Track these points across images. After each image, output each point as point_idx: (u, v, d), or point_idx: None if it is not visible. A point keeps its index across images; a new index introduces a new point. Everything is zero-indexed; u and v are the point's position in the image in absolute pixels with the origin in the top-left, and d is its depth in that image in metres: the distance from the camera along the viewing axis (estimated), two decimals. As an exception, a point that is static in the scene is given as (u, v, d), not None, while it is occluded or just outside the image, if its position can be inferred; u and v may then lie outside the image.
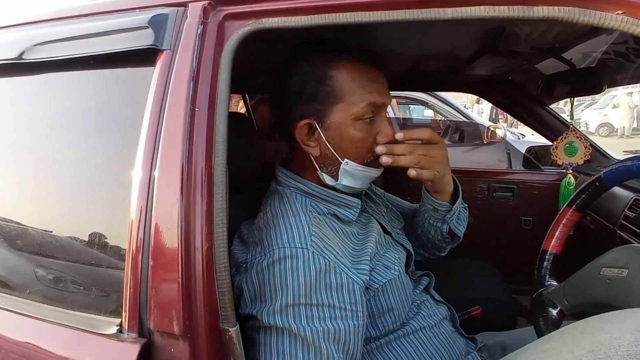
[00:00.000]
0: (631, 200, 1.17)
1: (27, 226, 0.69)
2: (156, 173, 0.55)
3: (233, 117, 0.70)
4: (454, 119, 3.75)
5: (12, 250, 0.69)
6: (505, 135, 3.18)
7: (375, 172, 0.73)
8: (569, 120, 1.26)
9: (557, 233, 0.95)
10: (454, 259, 1.67)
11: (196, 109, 0.56)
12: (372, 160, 0.71)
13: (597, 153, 1.60)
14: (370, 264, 0.69)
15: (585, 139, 1.24)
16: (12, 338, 0.62)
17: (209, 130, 0.56)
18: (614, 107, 11.45)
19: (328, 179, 0.72)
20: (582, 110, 12.59)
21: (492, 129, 2.89)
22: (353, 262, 0.67)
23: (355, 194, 0.79)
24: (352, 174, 0.70)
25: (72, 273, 0.64)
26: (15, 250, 0.69)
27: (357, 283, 0.64)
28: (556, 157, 1.22)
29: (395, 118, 3.71)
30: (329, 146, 0.69)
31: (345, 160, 0.69)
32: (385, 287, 0.70)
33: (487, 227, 1.81)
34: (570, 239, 0.99)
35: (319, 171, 0.72)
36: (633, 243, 1.08)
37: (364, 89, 0.67)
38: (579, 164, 1.22)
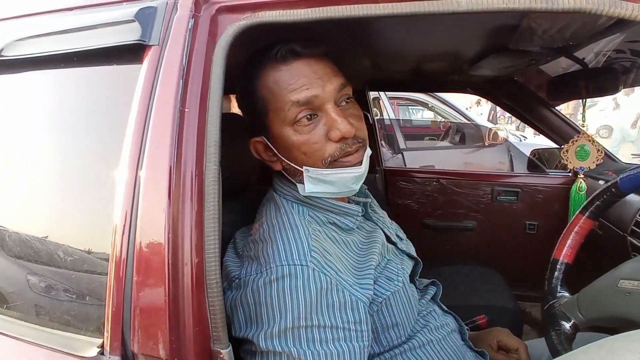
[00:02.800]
0: (643, 206, 1.13)
1: (4, 234, 0.64)
2: (142, 179, 0.50)
3: (227, 117, 0.65)
4: (455, 121, 3.72)
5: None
6: (507, 137, 3.14)
7: (349, 172, 0.63)
8: (581, 123, 1.22)
9: (568, 241, 0.90)
10: (456, 265, 1.64)
11: (186, 110, 0.51)
12: (335, 160, 0.62)
13: (605, 157, 1.56)
14: (374, 276, 0.64)
15: (597, 142, 1.19)
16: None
17: (200, 132, 0.52)
18: (614, 108, 11.44)
19: (300, 189, 0.65)
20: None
21: (493, 130, 2.85)
22: (356, 275, 0.63)
23: (355, 200, 0.74)
24: (320, 179, 0.63)
25: (50, 287, 0.59)
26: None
27: (361, 300, 0.59)
28: (567, 160, 1.18)
29: (395, 119, 3.67)
30: (283, 158, 0.65)
31: (305, 167, 0.63)
32: (389, 300, 0.65)
33: (490, 232, 1.78)
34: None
35: (294, 182, 0.66)
36: (646, 251, 1.04)
37: (285, 90, 0.60)
38: (591, 168, 1.18)
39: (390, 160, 3.04)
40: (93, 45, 0.58)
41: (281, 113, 0.61)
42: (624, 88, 0.99)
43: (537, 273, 1.08)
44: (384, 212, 0.90)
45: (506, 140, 3.00)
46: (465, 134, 3.37)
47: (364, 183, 0.84)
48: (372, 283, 0.63)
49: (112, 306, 0.49)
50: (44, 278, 0.59)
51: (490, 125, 3.71)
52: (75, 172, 0.60)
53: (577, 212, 0.89)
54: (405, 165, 2.84)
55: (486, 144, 2.99)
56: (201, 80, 0.53)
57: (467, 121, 3.63)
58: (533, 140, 4.38)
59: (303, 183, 0.64)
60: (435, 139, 3.92)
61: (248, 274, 0.58)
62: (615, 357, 0.49)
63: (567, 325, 0.80)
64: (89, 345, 0.50)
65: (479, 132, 3.19)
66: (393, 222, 0.91)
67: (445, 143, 3.58)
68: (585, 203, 0.88)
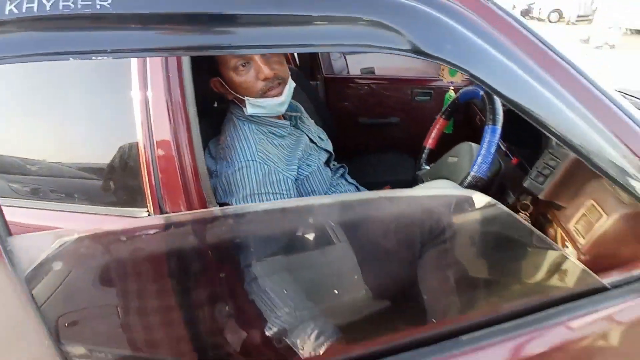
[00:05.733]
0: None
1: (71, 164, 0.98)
2: (152, 116, 0.85)
3: (196, 59, 0.97)
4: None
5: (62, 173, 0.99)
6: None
7: (274, 101, 1.02)
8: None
9: (432, 134, 1.36)
10: (381, 153, 2.12)
11: (170, 75, 0.84)
12: (264, 93, 1.01)
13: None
14: (298, 164, 1.07)
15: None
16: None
17: (181, 87, 0.85)
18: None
19: (245, 111, 1.04)
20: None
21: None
22: (287, 164, 1.05)
23: (289, 115, 1.14)
24: (256, 105, 1.02)
25: (110, 184, 0.97)
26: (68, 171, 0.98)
27: (289, 177, 1.03)
28: (442, 76, 1.57)
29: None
30: (231, 91, 1.02)
31: (245, 97, 1.01)
32: (308, 177, 1.09)
33: (409, 126, 2.22)
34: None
35: (242, 107, 1.04)
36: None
37: None
38: (459, 82, 1.59)
39: (339, 60, 3.29)
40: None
41: (227, 63, 0.97)
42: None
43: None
44: (312, 120, 1.30)
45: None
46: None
47: (300, 100, 1.23)
48: (297, 168, 1.06)
49: (150, 190, 0.88)
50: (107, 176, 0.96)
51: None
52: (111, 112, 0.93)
53: (438, 115, 1.33)
54: (347, 66, 3.13)
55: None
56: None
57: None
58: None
59: (246, 107, 1.03)
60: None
61: (222, 168, 0.99)
62: (424, 189, 0.98)
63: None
64: (141, 212, 0.91)
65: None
66: (318, 127, 1.32)
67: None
68: (443, 109, 1.31)
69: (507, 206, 1.13)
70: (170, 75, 0.84)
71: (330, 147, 1.27)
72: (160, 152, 0.87)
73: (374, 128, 2.28)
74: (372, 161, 2.01)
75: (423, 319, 0.71)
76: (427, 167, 1.36)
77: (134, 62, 0.86)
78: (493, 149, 0.97)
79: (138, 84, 0.86)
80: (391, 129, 2.26)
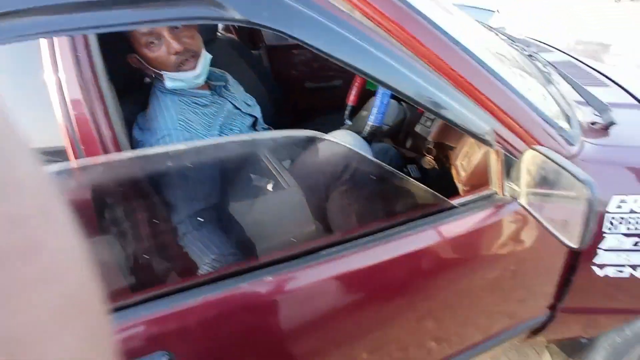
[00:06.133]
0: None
1: None
2: (67, 96, 0.94)
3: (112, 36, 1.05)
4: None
5: None
6: None
7: (189, 74, 1.11)
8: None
9: (353, 92, 1.48)
10: (327, 115, 2.22)
11: (78, 54, 0.92)
12: (179, 66, 1.09)
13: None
14: (219, 129, 1.18)
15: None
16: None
17: (91, 63, 0.94)
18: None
19: (165, 85, 1.12)
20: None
21: None
22: (208, 129, 1.16)
23: (213, 85, 1.24)
24: (173, 79, 1.10)
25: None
26: None
27: None
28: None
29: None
30: (149, 67, 1.10)
31: (163, 71, 1.09)
32: None
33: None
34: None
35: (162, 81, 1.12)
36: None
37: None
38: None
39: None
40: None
41: (139, 40, 1.05)
42: None
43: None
44: (241, 88, 1.40)
45: None
46: None
47: (240, 69, 1.32)
48: (219, 133, 1.17)
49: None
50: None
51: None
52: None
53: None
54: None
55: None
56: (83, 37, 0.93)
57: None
58: None
59: (165, 81, 1.12)
60: None
61: (147, 137, 1.09)
62: (328, 135, 1.11)
63: (342, 138, 1.44)
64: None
65: None
66: (247, 94, 1.42)
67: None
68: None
69: (412, 151, 1.28)
70: (79, 55, 0.93)
71: (257, 112, 1.38)
72: (80, 128, 0.96)
73: (319, 92, 2.37)
74: (318, 123, 2.12)
75: (293, 240, 0.86)
76: (349, 123, 1.48)
77: (44, 46, 0.94)
78: (386, 100, 1.09)
79: (50, 67, 0.94)
80: (335, 91, 2.36)
